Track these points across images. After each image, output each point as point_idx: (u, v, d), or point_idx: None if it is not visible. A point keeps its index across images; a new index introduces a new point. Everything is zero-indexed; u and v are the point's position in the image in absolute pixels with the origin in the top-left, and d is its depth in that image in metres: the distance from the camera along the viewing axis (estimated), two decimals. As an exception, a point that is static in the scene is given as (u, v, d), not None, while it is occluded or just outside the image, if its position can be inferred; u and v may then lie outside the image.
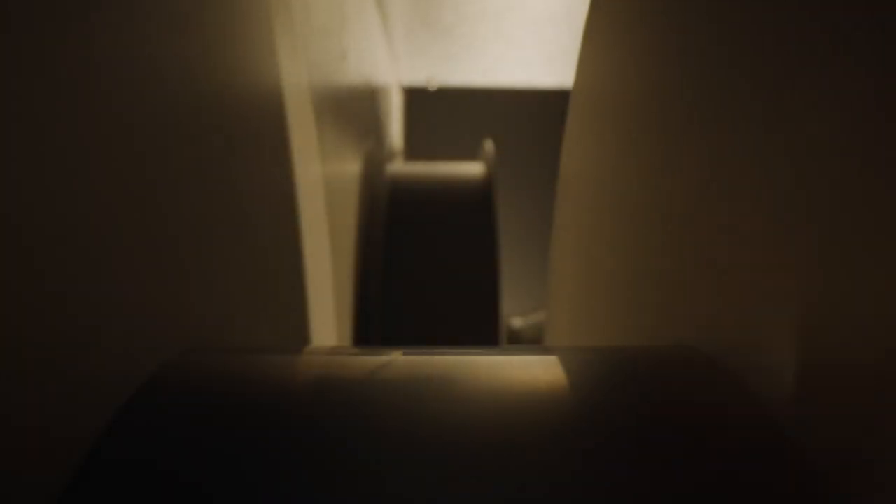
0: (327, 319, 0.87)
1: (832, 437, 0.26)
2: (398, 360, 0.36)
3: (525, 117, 2.93)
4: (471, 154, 2.01)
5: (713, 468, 0.28)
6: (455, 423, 0.30)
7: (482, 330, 1.35)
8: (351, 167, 1.22)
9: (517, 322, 2.18)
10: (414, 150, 2.89)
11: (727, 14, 0.35)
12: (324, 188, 0.88)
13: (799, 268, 0.28)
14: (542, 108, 2.88)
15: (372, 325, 1.30)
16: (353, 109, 1.31)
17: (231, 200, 0.49)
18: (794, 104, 0.29)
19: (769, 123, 0.31)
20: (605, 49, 0.59)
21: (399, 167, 1.64)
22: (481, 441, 0.29)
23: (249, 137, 0.55)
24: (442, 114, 2.97)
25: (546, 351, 0.37)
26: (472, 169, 1.59)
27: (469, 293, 1.36)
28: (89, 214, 0.30)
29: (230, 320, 0.48)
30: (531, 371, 0.34)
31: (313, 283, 0.76)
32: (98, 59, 0.31)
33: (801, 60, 0.28)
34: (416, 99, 2.97)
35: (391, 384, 0.33)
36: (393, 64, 2.50)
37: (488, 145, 1.62)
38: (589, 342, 0.64)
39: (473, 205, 1.45)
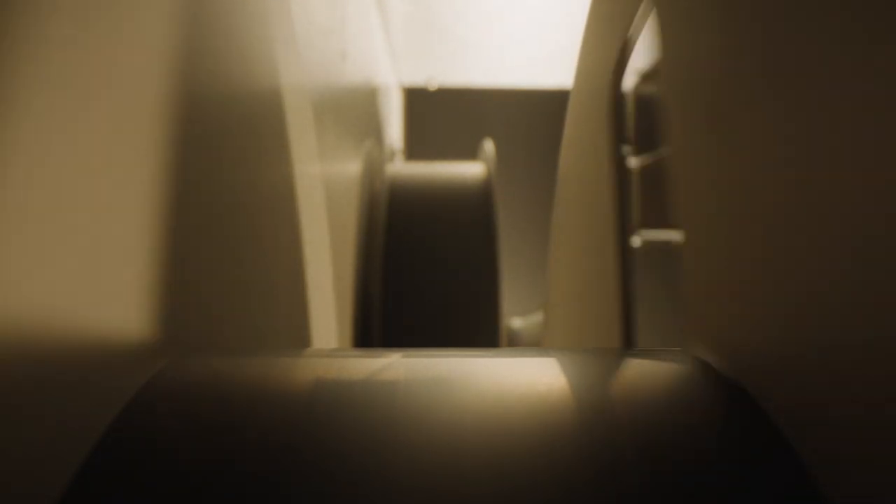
0: (327, 321, 0.87)
1: (830, 438, 0.26)
2: (398, 362, 0.36)
3: (525, 117, 2.93)
4: (471, 154, 2.01)
5: (712, 470, 0.28)
6: (455, 425, 0.30)
7: (482, 331, 1.35)
8: (351, 167, 1.22)
9: (517, 323, 2.18)
10: (414, 150, 2.89)
11: (732, 12, 0.35)
12: (324, 188, 0.88)
13: (798, 269, 0.28)
14: (542, 108, 2.87)
15: (372, 327, 1.30)
16: (353, 109, 1.31)
17: (230, 201, 0.49)
18: (802, 105, 0.29)
19: (774, 125, 0.31)
20: (605, 50, 0.59)
21: (399, 167, 1.64)
22: (481, 443, 0.29)
23: (249, 138, 0.55)
24: (442, 114, 2.97)
25: (545, 353, 0.37)
26: (472, 169, 1.59)
27: (469, 294, 1.36)
28: (88, 215, 0.30)
29: (230, 322, 0.48)
30: (531, 373, 0.34)
31: (313, 284, 0.76)
32: (96, 60, 0.31)
33: (812, 59, 0.28)
34: (416, 99, 2.97)
35: (392, 386, 0.33)
36: (393, 64, 2.50)
37: (488, 145, 1.62)
38: (588, 344, 0.64)
39: (473, 205, 1.45)
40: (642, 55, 0.58)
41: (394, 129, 2.41)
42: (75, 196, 0.29)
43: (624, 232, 0.57)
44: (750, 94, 0.32)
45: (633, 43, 0.56)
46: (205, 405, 0.32)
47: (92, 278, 0.30)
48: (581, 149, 0.68)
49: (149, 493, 0.27)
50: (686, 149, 0.40)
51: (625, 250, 0.56)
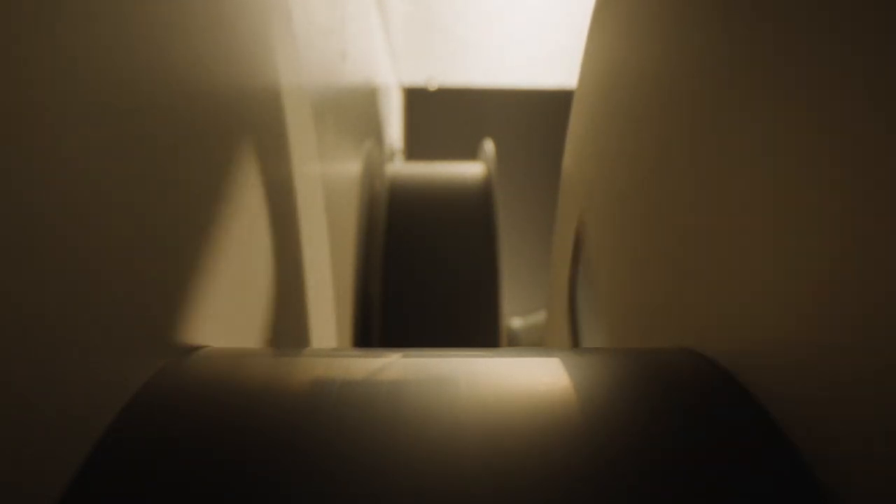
0: (327, 320, 0.87)
1: (828, 434, 0.26)
2: (398, 362, 0.35)
3: (525, 117, 2.93)
4: (471, 154, 2.01)
5: (712, 467, 0.28)
6: (455, 424, 0.30)
7: (482, 331, 1.35)
8: (351, 167, 1.22)
9: (517, 323, 2.18)
10: (414, 150, 2.89)
11: (733, 12, 0.35)
12: (323, 188, 0.88)
13: (798, 268, 0.28)
14: (542, 108, 2.87)
15: (372, 327, 1.30)
16: (353, 109, 1.30)
17: (230, 201, 0.49)
18: (803, 105, 0.29)
19: (777, 124, 0.31)
20: (610, 48, 0.59)
21: (399, 167, 1.64)
22: (482, 442, 0.29)
23: (249, 138, 0.55)
24: (442, 114, 2.97)
25: (547, 353, 0.37)
26: (472, 169, 1.59)
27: (469, 294, 1.36)
28: (90, 215, 0.30)
29: (230, 321, 0.48)
30: (532, 373, 0.34)
31: (313, 284, 0.76)
32: (97, 60, 0.31)
33: (811, 59, 0.28)
34: (416, 99, 2.97)
35: (392, 386, 0.33)
36: (393, 64, 2.50)
37: (488, 145, 1.62)
38: (589, 343, 0.64)
39: (473, 205, 1.45)
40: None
41: (394, 129, 2.41)
42: (75, 196, 0.29)
43: None
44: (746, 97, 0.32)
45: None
46: (204, 405, 0.32)
47: (92, 278, 0.30)
48: (587, 146, 0.68)
49: (149, 492, 0.27)
50: (679, 153, 0.40)
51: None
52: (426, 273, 1.36)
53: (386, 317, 1.31)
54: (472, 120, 2.93)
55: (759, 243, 0.32)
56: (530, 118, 2.92)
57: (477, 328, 1.35)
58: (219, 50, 0.48)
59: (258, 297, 0.55)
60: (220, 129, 0.48)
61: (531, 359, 0.36)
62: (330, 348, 0.42)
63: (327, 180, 0.92)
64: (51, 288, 0.27)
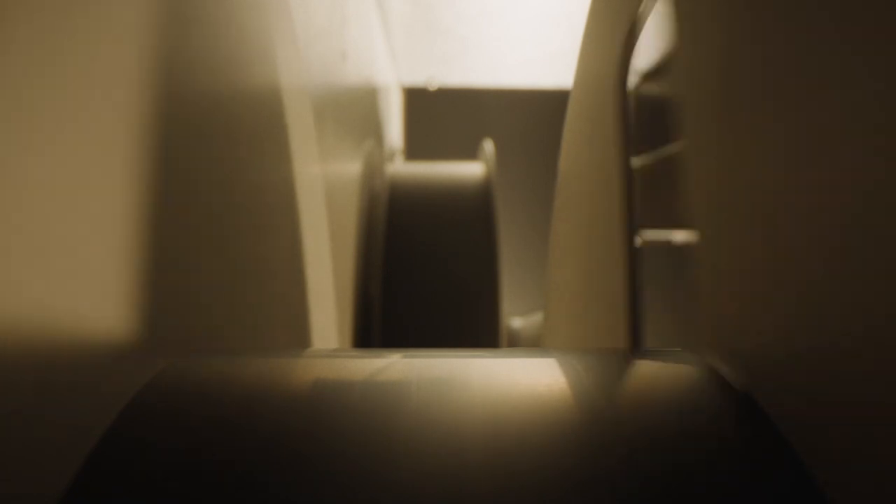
0: (328, 321, 0.87)
1: (837, 447, 0.26)
2: (399, 363, 0.36)
3: (525, 117, 2.93)
4: (471, 154, 2.00)
5: (716, 476, 0.28)
6: (456, 425, 0.30)
7: (482, 331, 1.35)
8: (351, 167, 1.22)
9: (517, 322, 2.18)
10: (414, 150, 2.89)
11: (733, 12, 0.35)
12: (324, 188, 0.88)
13: (810, 276, 0.28)
14: (542, 108, 2.87)
15: (372, 327, 1.30)
16: (353, 109, 1.30)
17: (230, 202, 0.49)
18: (797, 103, 0.29)
19: (773, 126, 0.31)
20: (606, 48, 0.59)
21: (399, 167, 1.64)
22: (482, 444, 0.29)
23: (249, 138, 0.55)
24: (442, 114, 2.96)
25: (546, 354, 0.37)
26: (472, 169, 1.59)
27: (469, 294, 1.36)
28: (89, 215, 0.30)
29: (231, 322, 0.48)
30: (531, 374, 0.34)
31: (313, 285, 0.76)
32: (97, 60, 0.31)
33: (813, 63, 0.28)
34: (416, 99, 2.97)
35: (392, 387, 0.33)
36: (393, 64, 2.50)
37: (488, 145, 1.62)
38: (587, 344, 0.64)
39: (473, 205, 1.45)
40: (643, 54, 0.57)
41: (394, 129, 2.41)
42: (75, 198, 0.29)
43: (631, 231, 0.57)
44: (763, 88, 0.32)
45: (637, 38, 0.56)
46: (205, 406, 0.32)
47: (92, 280, 0.30)
48: (583, 147, 0.68)
49: (149, 493, 0.27)
50: (703, 145, 0.40)
51: (632, 250, 0.56)
52: (426, 273, 1.36)
53: (386, 317, 1.31)
54: (472, 120, 2.92)
55: (757, 244, 0.32)
56: (530, 118, 2.92)
57: (477, 328, 1.35)
58: (218, 50, 0.48)
59: (258, 298, 0.55)
60: (220, 130, 0.48)
61: (531, 359, 0.36)
62: (330, 348, 0.42)
63: (327, 180, 0.92)
64: (50, 288, 0.27)
